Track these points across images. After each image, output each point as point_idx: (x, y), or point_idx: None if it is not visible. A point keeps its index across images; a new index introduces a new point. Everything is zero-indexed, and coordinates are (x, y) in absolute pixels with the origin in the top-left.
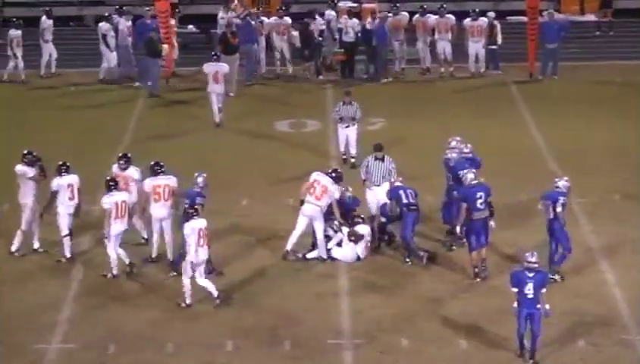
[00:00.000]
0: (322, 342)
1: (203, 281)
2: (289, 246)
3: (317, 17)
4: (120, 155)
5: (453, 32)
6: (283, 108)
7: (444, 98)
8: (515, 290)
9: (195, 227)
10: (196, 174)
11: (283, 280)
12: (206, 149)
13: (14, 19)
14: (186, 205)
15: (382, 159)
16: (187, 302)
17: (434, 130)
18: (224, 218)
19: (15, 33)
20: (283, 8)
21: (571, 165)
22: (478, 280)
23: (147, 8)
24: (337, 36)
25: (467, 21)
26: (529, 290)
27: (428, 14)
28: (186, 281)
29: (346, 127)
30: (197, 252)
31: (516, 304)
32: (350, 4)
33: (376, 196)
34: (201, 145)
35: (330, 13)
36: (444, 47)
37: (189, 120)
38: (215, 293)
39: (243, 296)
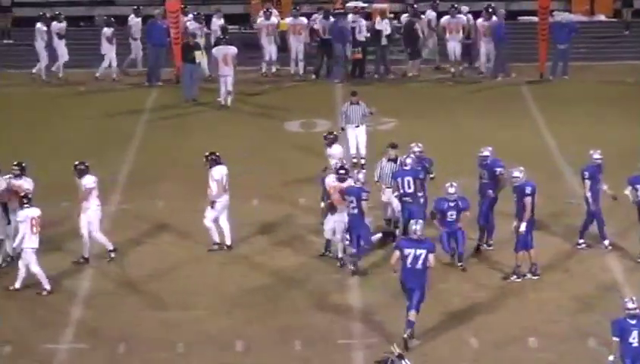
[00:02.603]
0: (332, 342)
1: (35, 268)
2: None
3: (330, 17)
4: (16, 163)
5: (465, 32)
6: (294, 108)
7: (455, 98)
8: (616, 339)
9: (28, 214)
10: (356, 171)
11: (293, 280)
12: (216, 149)
13: (105, 16)
14: (352, 202)
15: (395, 161)
16: (47, 288)
17: (446, 130)
18: (235, 218)
19: (108, 31)
20: (297, 8)
21: (582, 166)
22: (536, 277)
23: (157, 10)
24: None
25: (479, 21)
26: (634, 338)
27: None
28: (23, 268)
29: (356, 127)
30: (29, 239)
31: (611, 357)
32: (361, 4)
33: (389, 198)
34: (210, 144)
35: (431, 13)
36: (455, 47)
37: (199, 120)
38: (47, 285)
39: (252, 296)
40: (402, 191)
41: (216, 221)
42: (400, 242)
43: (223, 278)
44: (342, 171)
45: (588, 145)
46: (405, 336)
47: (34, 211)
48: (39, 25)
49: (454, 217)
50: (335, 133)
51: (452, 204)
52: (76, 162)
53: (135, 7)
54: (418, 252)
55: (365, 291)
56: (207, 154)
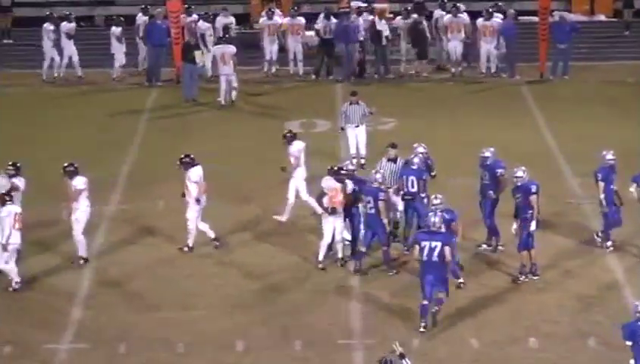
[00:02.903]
0: (333, 342)
1: (10, 266)
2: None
3: (331, 17)
4: (11, 163)
5: (466, 31)
6: (294, 108)
7: (455, 98)
8: (629, 343)
9: (11, 210)
10: (373, 171)
11: (293, 281)
12: (216, 150)
13: (114, 16)
14: (370, 203)
15: (394, 161)
16: (17, 280)
17: (446, 130)
18: (234, 219)
19: (117, 30)
20: (295, 8)
21: (582, 166)
22: (536, 277)
23: (159, 9)
24: (443, 37)
25: (480, 21)
26: None
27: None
28: (10, 266)
29: (356, 126)
30: (11, 235)
31: (632, 362)
32: (360, 3)
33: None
34: (211, 145)
35: (440, 12)
36: (456, 47)
37: (199, 120)
38: (18, 279)
39: (253, 297)
40: (405, 190)
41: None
42: (417, 234)
43: (223, 278)
44: (342, 172)
45: (589, 145)
46: (433, 311)
47: (17, 208)
48: (46, 25)
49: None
50: (293, 131)
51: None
52: (66, 164)
53: (142, 6)
54: (433, 244)
55: (365, 291)
56: (181, 157)
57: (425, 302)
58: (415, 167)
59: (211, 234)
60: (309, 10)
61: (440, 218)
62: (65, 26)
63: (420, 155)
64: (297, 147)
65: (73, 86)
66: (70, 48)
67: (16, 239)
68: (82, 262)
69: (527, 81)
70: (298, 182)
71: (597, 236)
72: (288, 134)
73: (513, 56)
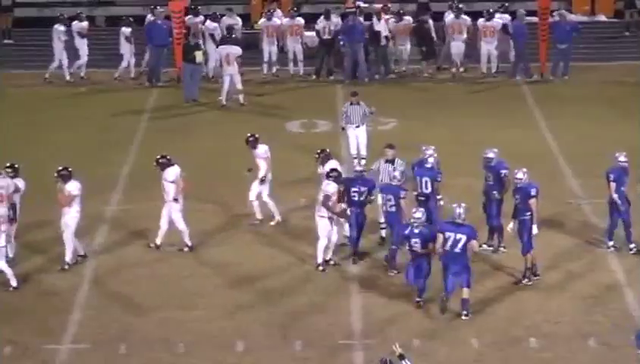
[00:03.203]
0: (333, 342)
1: (3, 265)
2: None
3: (332, 17)
4: (8, 164)
5: (469, 32)
6: (295, 108)
7: (456, 99)
8: None
9: None
10: (392, 169)
11: (294, 281)
12: (217, 150)
13: (124, 17)
14: (390, 201)
15: (392, 161)
16: (13, 285)
17: (446, 131)
18: (235, 219)
19: (126, 30)
20: (295, 9)
21: (582, 166)
22: (536, 277)
23: (161, 9)
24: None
25: (480, 21)
26: None
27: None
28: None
29: (357, 127)
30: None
31: None
32: (361, 4)
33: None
34: (211, 145)
35: (449, 14)
36: (458, 47)
37: (199, 120)
38: (14, 282)
39: (254, 297)
40: (419, 190)
41: (171, 223)
42: (442, 225)
43: (223, 278)
44: (334, 173)
45: (589, 145)
46: (463, 317)
47: (3, 210)
48: (56, 26)
49: (418, 245)
50: (256, 135)
51: (416, 230)
52: (60, 167)
53: (152, 6)
54: (458, 236)
55: (365, 292)
56: (157, 158)
57: (465, 292)
58: (429, 165)
59: (159, 240)
60: (309, 11)
61: (465, 210)
62: (77, 25)
63: (435, 155)
64: (264, 149)
65: (74, 86)
66: (83, 48)
67: (2, 241)
68: (80, 259)
69: (527, 81)
70: (255, 184)
71: (631, 250)
72: (251, 138)
73: (523, 56)
